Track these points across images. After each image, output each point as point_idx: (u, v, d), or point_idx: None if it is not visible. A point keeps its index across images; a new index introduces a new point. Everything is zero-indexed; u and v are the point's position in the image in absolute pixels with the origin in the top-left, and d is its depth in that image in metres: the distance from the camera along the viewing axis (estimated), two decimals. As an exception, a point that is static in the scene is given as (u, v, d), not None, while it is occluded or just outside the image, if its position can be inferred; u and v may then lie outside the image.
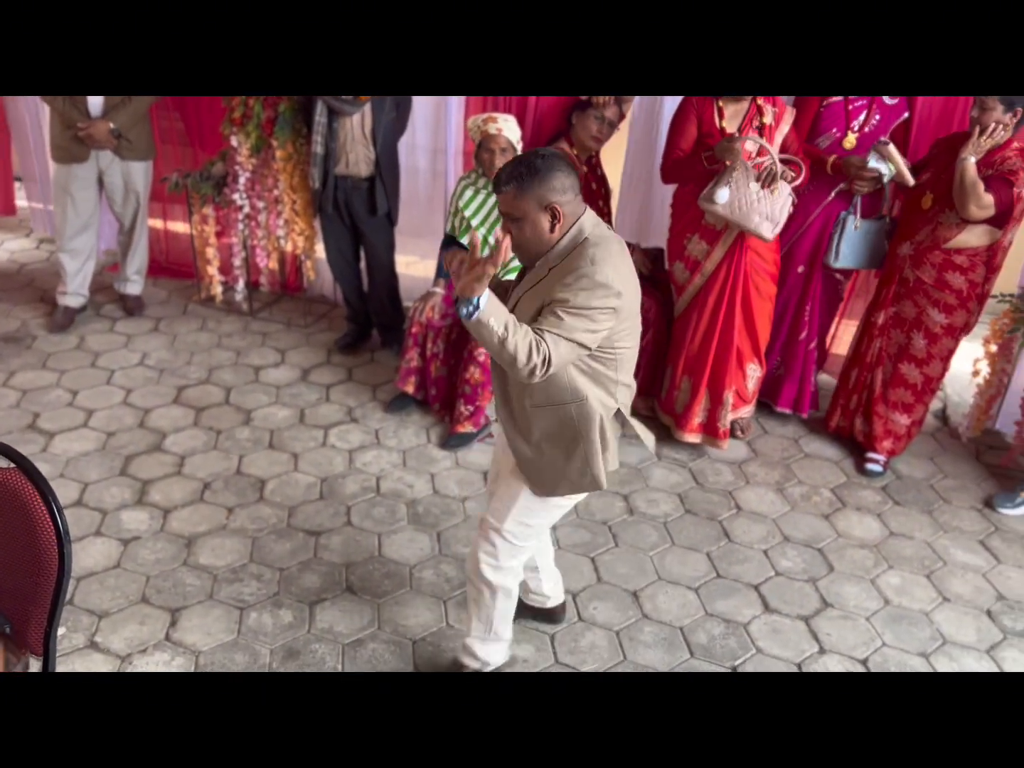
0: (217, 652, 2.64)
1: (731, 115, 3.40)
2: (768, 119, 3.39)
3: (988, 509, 3.50)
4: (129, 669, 2.56)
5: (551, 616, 2.81)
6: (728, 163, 3.26)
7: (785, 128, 3.44)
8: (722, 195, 3.28)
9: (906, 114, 3.54)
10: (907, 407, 3.63)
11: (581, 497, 2.41)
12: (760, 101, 3.39)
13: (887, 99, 3.52)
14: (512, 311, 2.03)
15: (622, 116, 3.74)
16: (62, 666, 2.55)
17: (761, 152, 3.31)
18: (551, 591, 2.75)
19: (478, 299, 1.85)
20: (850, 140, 3.53)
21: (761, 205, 3.31)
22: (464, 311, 1.86)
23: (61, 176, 4.14)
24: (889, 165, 3.39)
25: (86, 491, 3.27)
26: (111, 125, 3.96)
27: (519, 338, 1.91)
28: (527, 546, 2.39)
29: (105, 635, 2.68)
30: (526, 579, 2.64)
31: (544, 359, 1.93)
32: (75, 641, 2.65)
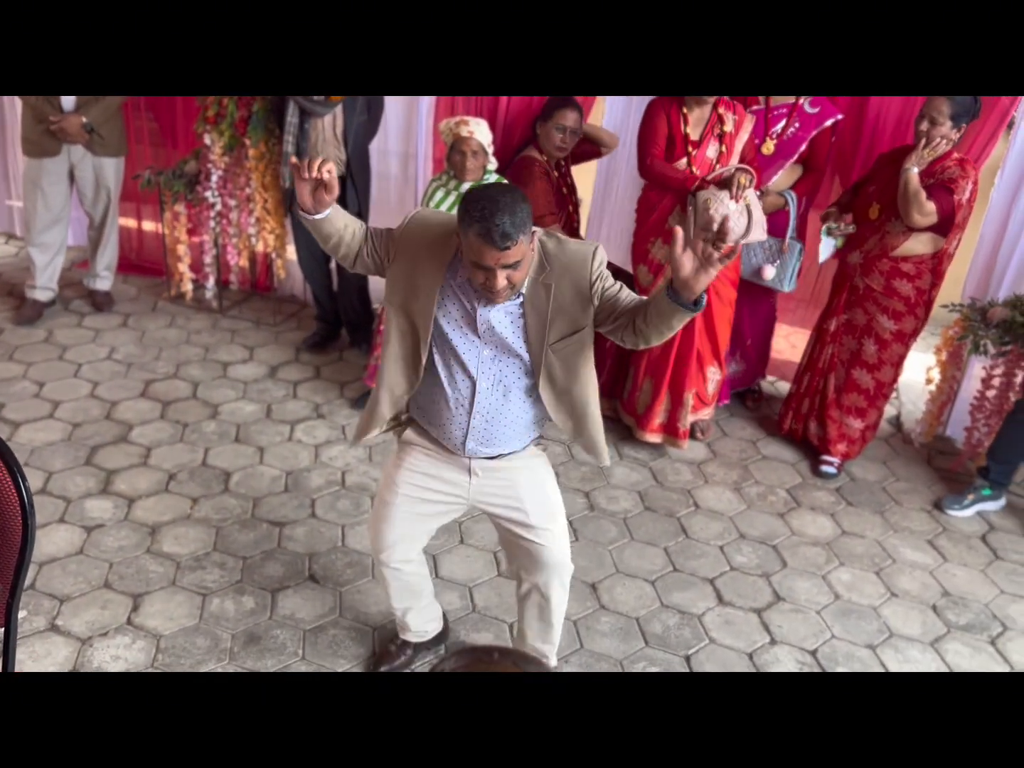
0: (179, 636, 2.67)
1: (694, 122, 3.50)
2: (728, 127, 3.50)
3: (937, 511, 3.61)
4: (90, 652, 2.58)
5: (442, 636, 2.75)
6: (700, 198, 3.39)
7: (744, 136, 3.55)
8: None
9: (829, 121, 3.65)
10: (860, 411, 3.74)
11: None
12: (721, 109, 3.49)
13: (807, 107, 3.65)
14: (546, 335, 2.07)
15: (584, 121, 3.82)
16: (22, 647, 2.56)
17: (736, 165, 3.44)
18: (438, 612, 2.72)
19: (702, 296, 2.01)
20: (768, 146, 3.66)
21: (744, 216, 3.42)
22: (699, 305, 2.04)
23: (32, 170, 4.16)
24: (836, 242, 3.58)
25: (50, 480, 3.28)
26: (83, 120, 3.99)
27: None
28: None
29: (66, 619, 2.70)
30: (424, 609, 2.60)
31: None
32: (36, 624, 2.66)
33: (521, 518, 2.33)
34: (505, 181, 3.66)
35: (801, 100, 3.65)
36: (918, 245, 3.45)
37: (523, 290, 2.05)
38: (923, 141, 3.27)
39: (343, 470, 3.49)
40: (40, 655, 2.56)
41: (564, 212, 3.82)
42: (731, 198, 3.38)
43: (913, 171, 3.27)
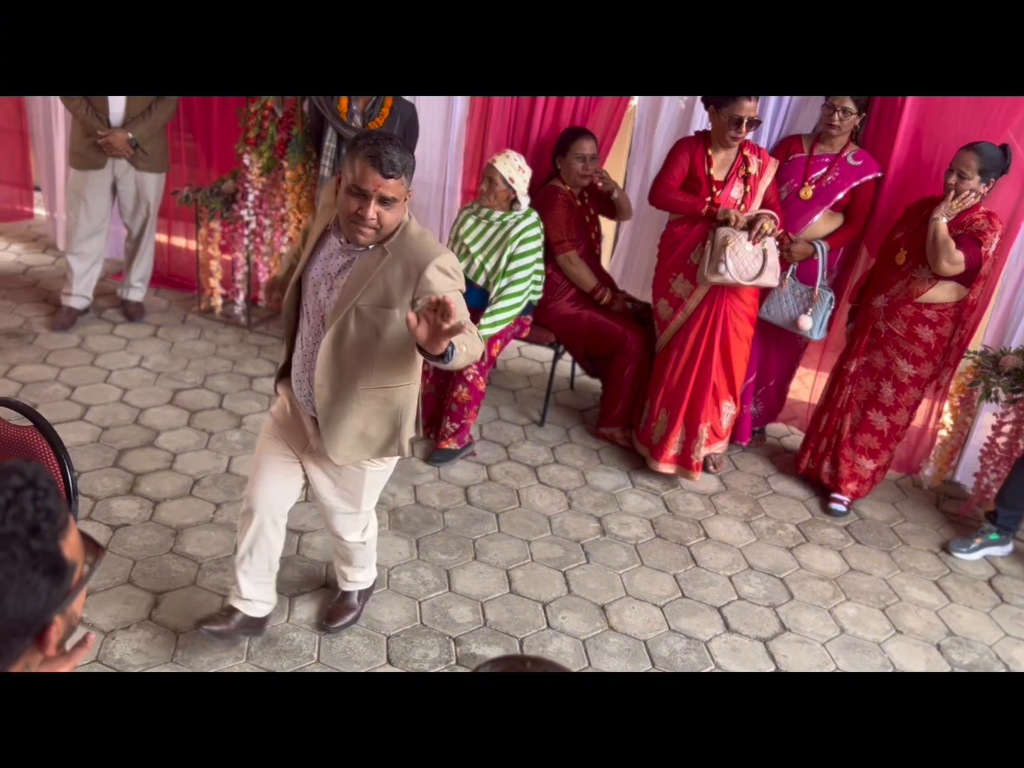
0: (198, 634, 2.73)
1: (719, 163, 3.62)
2: (753, 169, 3.61)
3: (944, 553, 3.66)
4: (112, 644, 2.66)
5: (265, 623, 2.79)
6: (716, 229, 3.49)
7: (768, 179, 3.66)
8: (726, 267, 3.49)
9: (870, 175, 3.75)
10: (873, 452, 3.80)
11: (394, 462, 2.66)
12: (746, 152, 3.61)
13: (850, 159, 3.75)
14: (364, 291, 2.23)
15: (598, 147, 3.94)
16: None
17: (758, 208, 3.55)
18: (273, 596, 2.79)
19: (451, 350, 2.07)
20: (806, 191, 3.77)
21: (760, 259, 3.52)
22: (443, 362, 2.10)
23: (77, 181, 4.31)
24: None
25: (79, 479, 3.37)
26: (129, 135, 4.14)
27: (473, 341, 2.19)
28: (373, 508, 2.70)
29: (90, 612, 2.77)
30: (261, 583, 2.69)
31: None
32: (61, 615, 2.74)
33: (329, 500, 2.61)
34: (533, 212, 3.78)
35: (845, 152, 3.74)
36: (942, 293, 3.53)
37: (365, 248, 2.23)
38: (952, 193, 3.37)
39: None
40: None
41: (585, 241, 3.94)
42: (749, 239, 3.49)
43: (942, 221, 3.37)
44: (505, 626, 2.95)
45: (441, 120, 4.32)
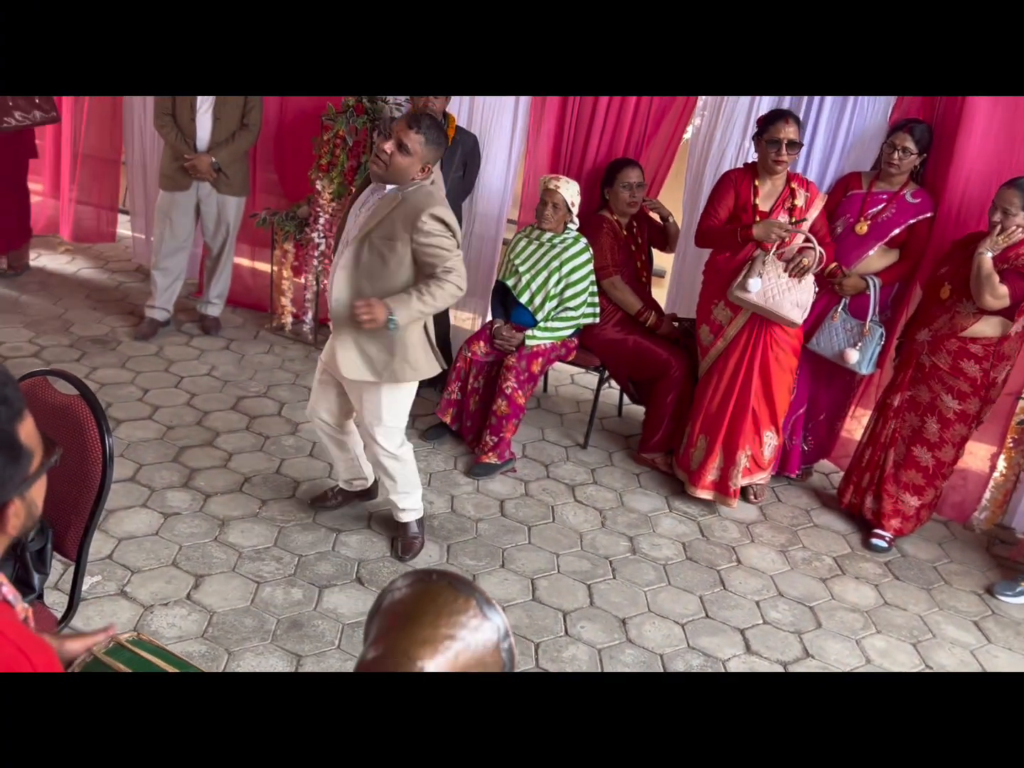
0: (230, 615, 2.90)
1: (765, 194, 3.68)
2: (800, 201, 3.66)
3: (988, 595, 3.56)
4: (150, 617, 2.84)
5: (370, 493, 3.51)
6: (760, 250, 3.55)
7: (814, 212, 3.70)
8: (754, 285, 3.55)
9: (927, 214, 3.75)
10: (917, 489, 3.75)
11: (417, 381, 3.10)
12: (794, 184, 3.66)
13: (908, 197, 3.74)
14: (378, 225, 2.82)
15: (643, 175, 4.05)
16: (92, 606, 2.84)
17: (801, 242, 3.59)
18: (369, 473, 3.41)
19: (392, 320, 2.75)
20: (862, 227, 3.77)
21: (791, 293, 3.57)
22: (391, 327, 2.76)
23: (164, 202, 4.64)
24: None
25: (140, 471, 3.61)
26: (212, 159, 4.45)
27: (434, 297, 2.81)
28: (402, 426, 3.15)
29: (134, 587, 2.96)
30: (347, 468, 3.38)
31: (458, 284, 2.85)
32: (108, 588, 2.94)
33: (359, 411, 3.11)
34: (582, 238, 3.91)
35: (903, 190, 3.75)
36: (987, 327, 3.50)
37: (394, 191, 2.83)
38: (998, 228, 3.36)
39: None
40: (107, 614, 2.82)
41: (631, 267, 4.04)
42: (786, 271, 3.53)
43: (987, 255, 3.36)
44: (523, 630, 3.02)
45: (504, 156, 4.49)
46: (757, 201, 3.66)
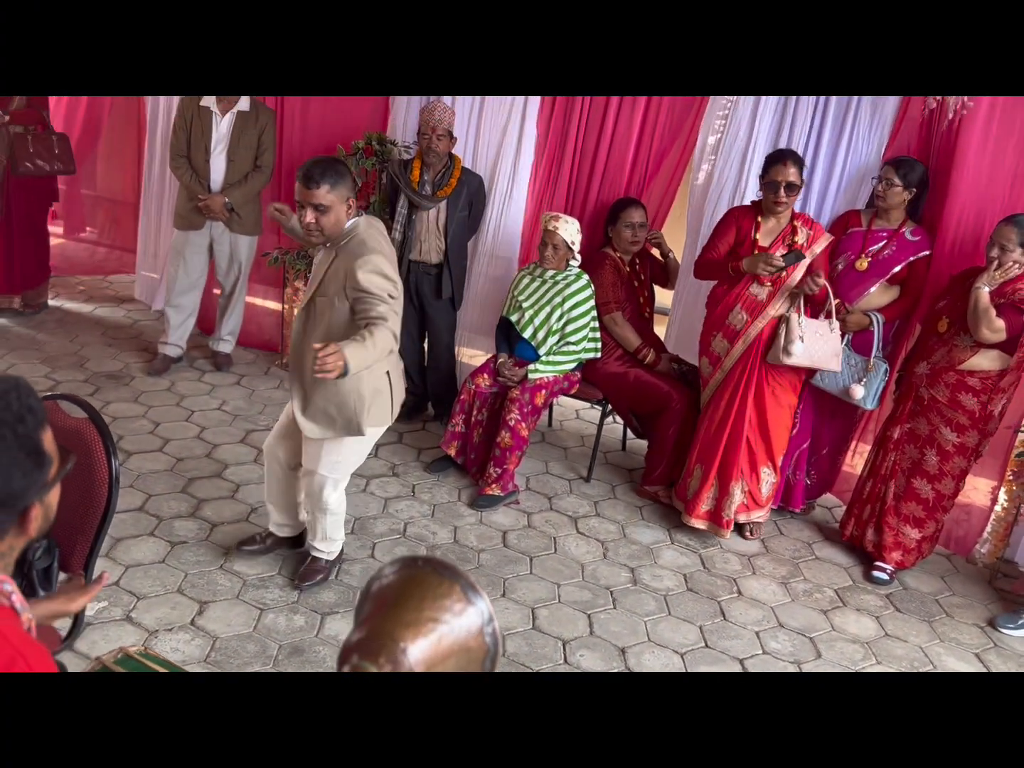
0: (232, 640, 2.94)
1: (767, 230, 3.75)
2: (800, 239, 3.70)
3: (990, 628, 3.56)
4: (154, 641, 2.88)
5: (298, 541, 3.43)
6: (789, 312, 3.64)
7: (817, 249, 3.73)
8: (798, 348, 3.61)
9: (926, 252, 3.81)
10: (918, 521, 3.76)
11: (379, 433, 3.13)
12: (797, 223, 3.71)
13: (908, 235, 3.81)
14: (319, 285, 2.85)
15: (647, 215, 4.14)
16: (98, 630, 2.89)
17: (799, 276, 3.66)
18: (301, 520, 3.37)
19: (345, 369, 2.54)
20: (862, 263, 3.83)
21: (828, 344, 3.65)
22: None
23: (178, 241, 4.77)
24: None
25: (148, 501, 3.68)
26: (226, 200, 4.59)
27: (376, 344, 2.64)
28: (348, 478, 3.18)
29: (140, 613, 3.02)
30: (284, 512, 3.35)
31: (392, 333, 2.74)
32: (114, 613, 2.99)
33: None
34: (584, 275, 4.00)
35: (903, 228, 3.82)
36: (985, 361, 3.54)
37: (329, 249, 2.83)
38: (995, 263, 3.42)
39: (406, 522, 3.76)
40: (112, 639, 2.87)
41: (633, 303, 4.12)
42: (796, 308, 3.62)
43: (984, 289, 3.42)
44: (522, 658, 3.04)
45: (520, 198, 4.60)
46: (757, 236, 3.73)
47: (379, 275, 2.75)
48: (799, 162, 3.66)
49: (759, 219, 3.75)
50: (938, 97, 3.70)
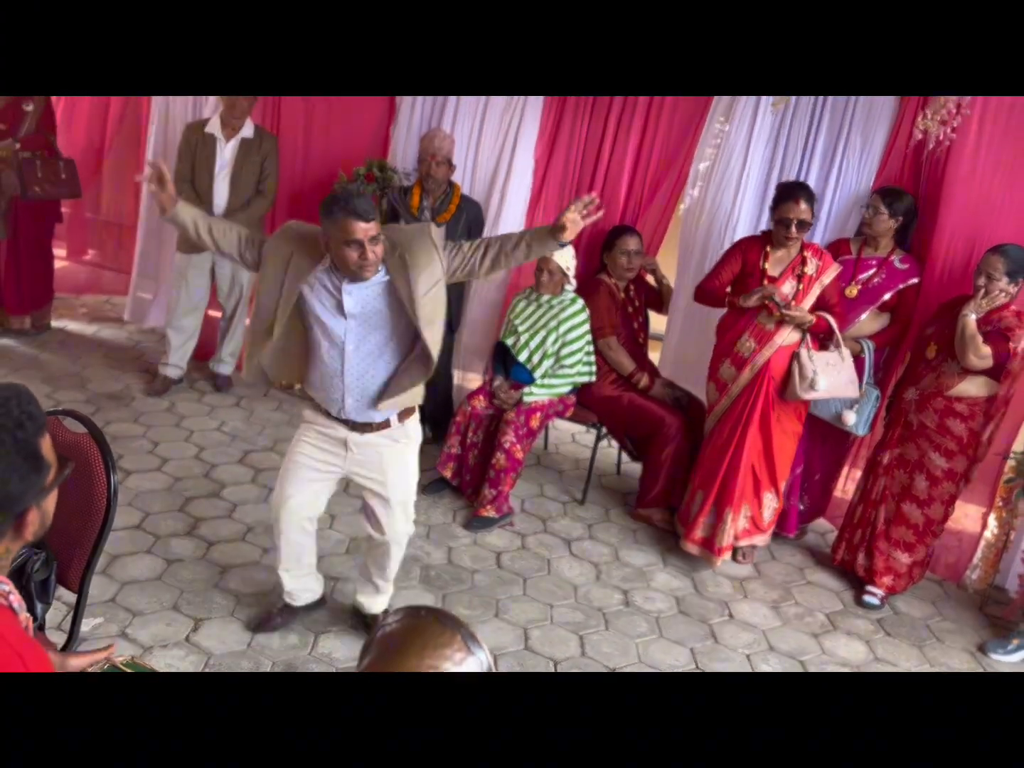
0: (226, 657, 2.97)
1: (776, 260, 3.75)
2: (810, 270, 3.71)
3: (980, 654, 3.58)
4: (148, 658, 2.91)
5: (320, 603, 3.25)
6: (802, 355, 3.70)
7: (827, 280, 3.72)
8: (822, 383, 3.66)
9: (915, 279, 3.88)
10: (908, 546, 3.80)
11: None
12: (807, 253, 3.72)
13: (897, 263, 3.88)
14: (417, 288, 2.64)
15: (641, 243, 4.21)
16: (93, 647, 2.91)
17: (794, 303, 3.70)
18: (319, 582, 3.23)
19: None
20: (851, 290, 3.89)
21: (843, 373, 3.70)
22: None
23: (181, 263, 4.84)
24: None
25: (146, 519, 3.71)
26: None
27: None
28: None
29: (135, 629, 3.05)
30: (305, 576, 3.14)
31: None
32: (109, 629, 3.02)
33: (380, 490, 2.93)
34: (579, 299, 4.06)
35: (892, 256, 3.89)
36: (972, 387, 3.59)
37: (385, 268, 2.64)
38: (982, 291, 3.48)
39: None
40: (107, 655, 2.90)
41: (628, 329, 4.18)
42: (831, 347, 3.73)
43: (971, 317, 3.47)
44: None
45: (508, 219, 4.68)
46: (766, 266, 3.75)
47: (436, 231, 2.72)
48: (811, 198, 3.67)
49: (768, 249, 3.76)
50: (922, 128, 3.77)
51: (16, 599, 1.34)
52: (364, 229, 2.50)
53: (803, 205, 3.62)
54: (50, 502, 1.32)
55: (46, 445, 1.28)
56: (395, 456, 2.93)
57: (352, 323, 2.68)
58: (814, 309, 3.71)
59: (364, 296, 2.67)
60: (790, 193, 3.66)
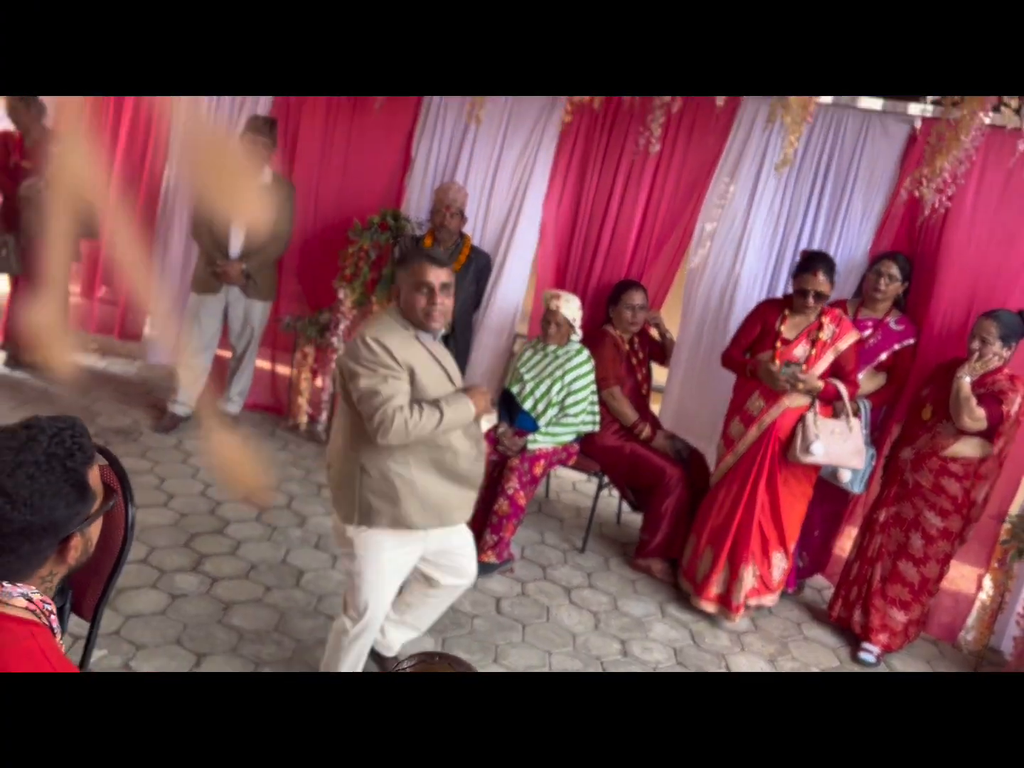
0: (228, 693, 2.99)
1: (792, 324, 3.83)
2: (825, 335, 3.77)
3: (975, 713, 3.59)
4: (151, 691, 2.94)
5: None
6: (807, 419, 3.74)
7: (842, 346, 3.77)
8: (818, 448, 3.71)
9: (910, 340, 3.98)
10: (904, 604, 3.83)
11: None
12: (825, 319, 3.78)
13: (892, 324, 3.98)
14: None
15: (647, 299, 4.31)
16: (97, 678, 2.94)
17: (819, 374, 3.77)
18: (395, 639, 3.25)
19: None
20: None
21: (848, 443, 3.75)
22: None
23: (194, 303, 4.94)
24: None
25: (152, 553, 3.76)
26: (243, 266, 4.77)
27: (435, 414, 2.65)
28: None
29: (138, 662, 3.08)
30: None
31: None
32: (112, 662, 3.05)
33: (457, 539, 2.93)
34: (585, 350, 4.15)
35: (888, 317, 3.98)
36: (967, 448, 3.67)
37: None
38: (976, 355, 3.57)
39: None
40: (110, 687, 2.93)
41: (631, 380, 4.26)
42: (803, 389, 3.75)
43: (965, 379, 3.56)
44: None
45: (517, 275, 4.79)
46: (782, 328, 3.82)
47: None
48: (831, 270, 3.72)
49: (786, 312, 3.83)
50: (918, 195, 3.89)
51: (55, 620, 1.40)
52: (438, 273, 2.54)
53: (821, 277, 3.67)
54: (94, 530, 1.39)
55: (93, 476, 1.35)
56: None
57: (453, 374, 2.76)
58: (829, 374, 3.77)
59: (443, 351, 2.74)
60: (809, 264, 3.72)
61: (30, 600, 1.36)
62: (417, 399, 2.59)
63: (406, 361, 2.56)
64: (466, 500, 2.85)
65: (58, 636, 1.40)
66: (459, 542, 2.96)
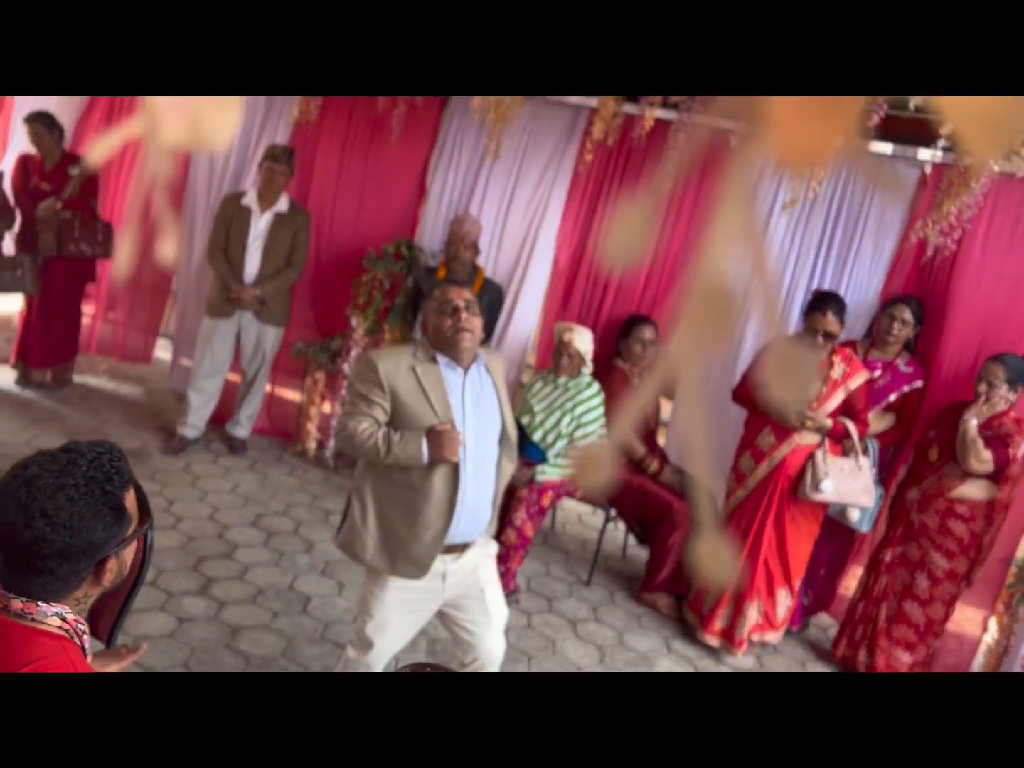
0: (235, 718, 2.99)
1: None
2: (836, 374, 3.79)
3: (980, 757, 3.58)
4: (159, 714, 2.94)
5: None
6: (817, 457, 3.76)
7: (853, 385, 3.79)
8: (827, 486, 3.74)
9: (919, 382, 4.01)
10: (909, 645, 3.84)
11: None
12: (836, 358, 3.80)
13: (902, 366, 4.02)
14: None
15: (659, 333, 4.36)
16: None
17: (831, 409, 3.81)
18: None
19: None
20: None
21: (858, 481, 3.77)
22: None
23: (207, 328, 4.99)
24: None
25: (160, 576, 3.77)
26: (257, 292, 4.82)
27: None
28: None
29: (146, 685, 3.08)
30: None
31: None
32: (121, 684, 3.05)
33: (479, 611, 2.73)
34: (595, 383, 4.19)
35: (897, 359, 4.03)
36: (973, 490, 3.69)
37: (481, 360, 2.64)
38: (983, 398, 3.61)
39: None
40: (118, 709, 2.93)
41: (640, 415, 4.28)
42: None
43: (972, 422, 3.60)
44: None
45: (529, 307, 4.85)
46: None
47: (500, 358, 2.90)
48: (840, 311, 3.71)
49: None
50: (924, 236, 3.94)
51: (87, 640, 1.42)
52: (458, 292, 2.56)
53: (831, 317, 3.68)
54: (128, 553, 1.41)
55: (130, 499, 1.38)
56: (490, 569, 2.78)
57: (471, 420, 2.57)
58: (839, 413, 3.80)
59: (475, 379, 2.63)
60: (819, 304, 3.74)
61: (64, 619, 1.39)
62: (397, 424, 2.54)
63: (390, 382, 2.52)
64: (423, 556, 2.56)
65: (88, 657, 1.42)
66: (478, 607, 2.74)
